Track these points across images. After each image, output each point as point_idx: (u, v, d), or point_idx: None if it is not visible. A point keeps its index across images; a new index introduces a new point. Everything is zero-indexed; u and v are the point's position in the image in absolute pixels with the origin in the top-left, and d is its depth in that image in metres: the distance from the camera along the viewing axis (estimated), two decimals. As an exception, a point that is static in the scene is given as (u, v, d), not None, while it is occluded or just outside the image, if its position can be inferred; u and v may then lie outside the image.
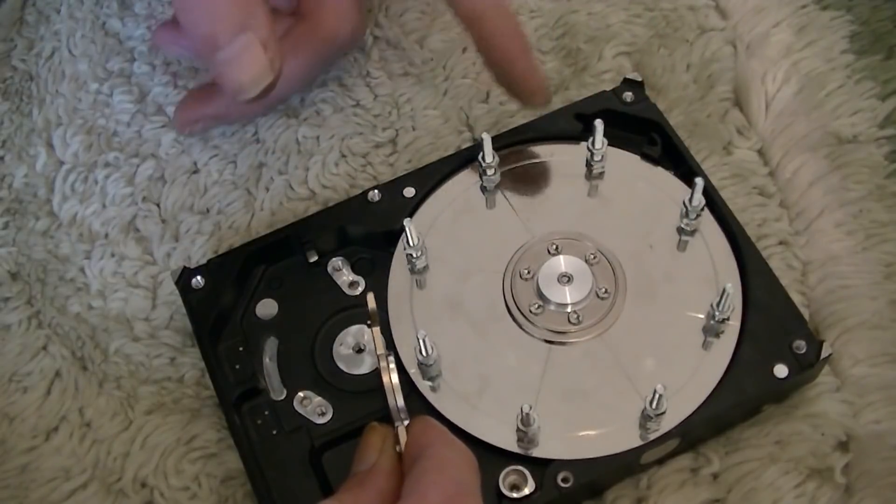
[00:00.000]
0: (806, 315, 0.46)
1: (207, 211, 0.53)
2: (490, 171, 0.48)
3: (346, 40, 0.53)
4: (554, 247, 0.46)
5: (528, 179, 0.49)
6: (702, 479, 0.43)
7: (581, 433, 0.42)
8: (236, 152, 0.54)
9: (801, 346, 0.42)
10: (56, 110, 0.57)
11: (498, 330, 0.45)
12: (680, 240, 0.46)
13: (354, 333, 0.46)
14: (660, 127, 0.49)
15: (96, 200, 0.53)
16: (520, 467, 0.41)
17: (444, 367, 0.43)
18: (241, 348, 0.45)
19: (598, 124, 0.47)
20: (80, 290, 0.51)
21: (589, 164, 0.48)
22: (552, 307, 0.45)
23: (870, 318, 0.46)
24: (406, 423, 0.36)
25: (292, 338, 0.46)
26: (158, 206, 0.53)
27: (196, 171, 0.54)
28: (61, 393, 0.48)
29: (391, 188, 0.49)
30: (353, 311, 0.46)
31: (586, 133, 0.49)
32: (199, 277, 0.46)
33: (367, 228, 0.48)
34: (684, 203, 0.46)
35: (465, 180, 0.49)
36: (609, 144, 0.48)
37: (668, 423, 0.41)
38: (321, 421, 0.44)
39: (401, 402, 0.37)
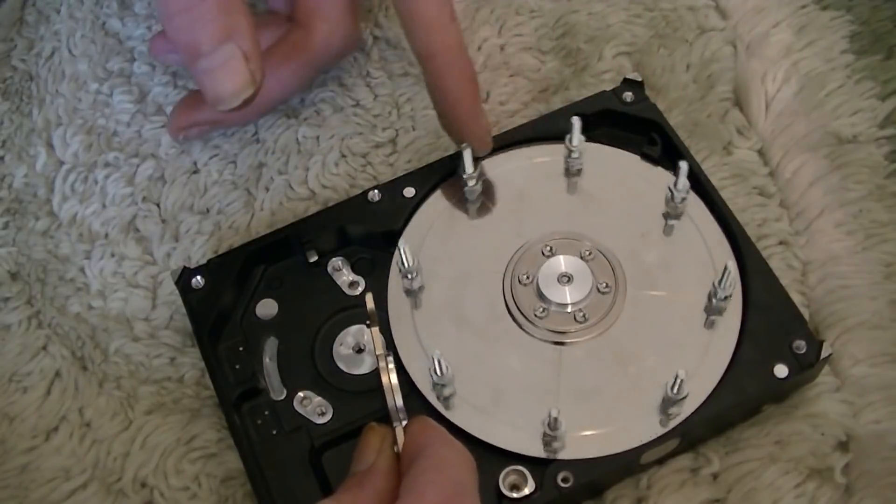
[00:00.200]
0: (806, 315, 0.46)
1: (207, 211, 0.53)
2: (471, 182, 0.48)
3: (338, 49, 0.53)
4: (548, 248, 0.46)
5: (517, 182, 0.49)
6: (702, 479, 0.43)
7: (581, 433, 0.42)
8: (236, 152, 0.54)
9: (801, 346, 0.42)
10: (56, 110, 0.57)
11: (503, 336, 0.45)
12: (667, 224, 0.46)
13: (354, 333, 0.46)
14: (660, 127, 0.49)
15: (96, 200, 0.54)
16: (520, 467, 0.41)
17: (455, 380, 0.43)
18: (241, 348, 0.45)
19: (576, 121, 0.47)
20: (80, 290, 0.51)
21: (567, 161, 0.48)
22: (555, 308, 0.45)
23: (870, 318, 0.46)
24: (404, 423, 0.36)
25: (292, 338, 0.46)
26: (158, 206, 0.53)
27: (196, 171, 0.54)
28: (61, 393, 0.48)
29: (391, 188, 0.49)
30: (352, 311, 0.46)
31: (586, 133, 0.49)
32: (199, 277, 0.46)
33: (367, 228, 0.48)
34: (670, 188, 0.46)
35: (454, 189, 0.49)
36: (609, 144, 0.48)
37: (668, 423, 0.41)
38: (321, 421, 0.44)
39: (400, 402, 0.37)
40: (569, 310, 0.45)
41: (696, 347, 0.43)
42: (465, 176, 0.48)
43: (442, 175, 0.49)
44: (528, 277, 0.46)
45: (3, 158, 0.56)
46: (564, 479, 0.40)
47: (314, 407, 0.44)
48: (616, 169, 0.49)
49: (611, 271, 0.45)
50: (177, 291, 0.47)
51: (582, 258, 0.46)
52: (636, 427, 0.41)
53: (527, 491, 0.40)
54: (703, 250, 0.45)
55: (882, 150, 0.51)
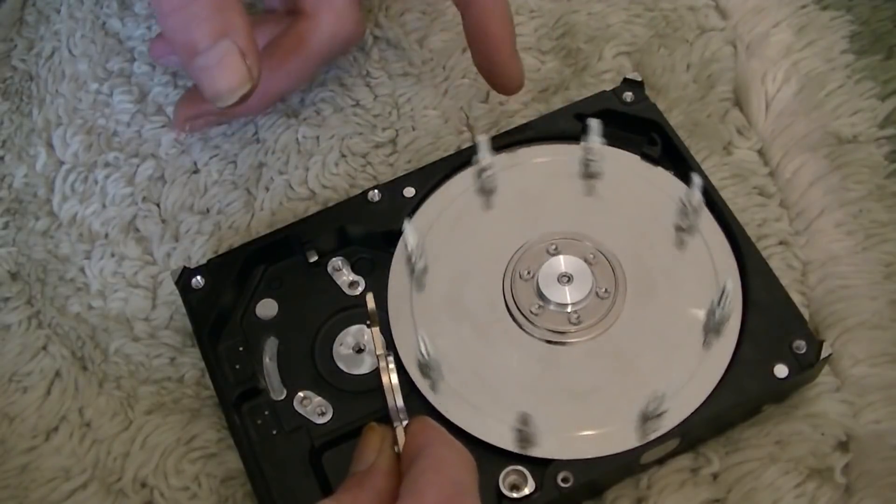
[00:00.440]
0: (806, 315, 0.46)
1: (207, 211, 0.53)
2: (487, 173, 0.48)
3: (346, 39, 0.53)
4: (553, 247, 0.46)
5: (527, 180, 0.49)
6: (702, 479, 0.43)
7: (581, 433, 0.42)
8: (236, 152, 0.54)
9: (801, 346, 0.42)
10: (56, 110, 0.57)
11: (498, 330, 0.45)
12: (679, 238, 0.46)
13: (354, 333, 0.46)
14: (660, 127, 0.49)
15: (96, 200, 0.53)
16: (520, 467, 0.41)
17: (444, 367, 0.43)
18: (241, 348, 0.45)
19: (594, 123, 0.47)
20: (80, 290, 0.51)
21: (585, 164, 0.48)
22: (552, 307, 0.45)
23: (870, 318, 0.46)
24: (405, 423, 0.36)
25: (292, 338, 0.46)
26: (158, 206, 0.53)
27: (196, 171, 0.54)
28: (61, 393, 0.48)
29: (391, 188, 0.48)
30: (353, 311, 0.46)
31: (586, 133, 0.49)
32: (199, 277, 0.46)
33: (367, 228, 0.48)
34: (682, 201, 0.46)
35: (464, 181, 0.49)
36: (609, 144, 0.48)
37: (668, 423, 0.41)
38: (321, 421, 0.44)
39: (400, 402, 0.37)
40: (567, 310, 0.45)
41: (693, 353, 0.43)
42: (480, 165, 0.48)
43: (442, 175, 0.49)
44: (529, 273, 0.46)
45: (3, 158, 0.56)
46: (564, 479, 0.40)
47: (314, 407, 0.44)
48: (630, 174, 0.48)
49: (612, 276, 0.45)
50: (177, 291, 0.47)
51: (585, 260, 0.46)
52: (636, 427, 0.41)
53: (527, 491, 0.40)
54: (709, 267, 0.45)
55: (882, 150, 0.51)
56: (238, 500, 0.45)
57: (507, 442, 0.41)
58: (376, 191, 0.48)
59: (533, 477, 0.40)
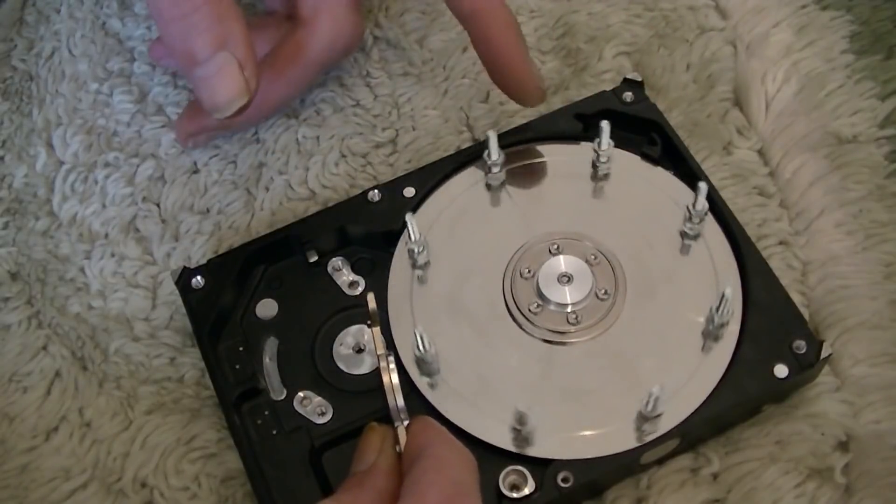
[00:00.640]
0: (806, 315, 0.46)
1: (207, 211, 0.53)
2: (495, 169, 0.48)
3: (346, 45, 0.53)
4: (555, 246, 0.46)
5: (530, 179, 0.49)
6: (702, 479, 0.43)
7: (581, 433, 0.42)
8: (236, 152, 0.54)
9: (801, 346, 0.42)
10: (56, 110, 0.57)
11: (497, 329, 0.45)
12: (682, 244, 0.46)
13: (354, 333, 0.46)
14: (660, 127, 0.49)
15: (96, 200, 0.53)
16: (520, 467, 0.41)
17: (443, 365, 0.43)
18: (241, 348, 0.45)
19: (605, 125, 0.47)
20: (80, 290, 0.51)
21: (595, 165, 0.48)
22: (552, 307, 0.45)
23: (870, 318, 0.46)
24: (406, 423, 0.36)
25: (292, 338, 0.46)
26: (158, 206, 0.53)
27: (196, 171, 0.54)
28: (61, 393, 0.48)
29: (391, 188, 0.48)
30: (353, 311, 0.46)
31: (586, 133, 0.49)
32: (199, 277, 0.46)
33: (367, 228, 0.48)
34: (688, 207, 0.46)
35: (467, 179, 0.49)
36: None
37: (668, 423, 0.41)
38: (321, 421, 0.44)
39: (401, 402, 0.37)
40: (567, 310, 0.45)
41: (693, 353, 0.43)
42: (489, 162, 0.48)
43: (442, 175, 0.49)
44: (529, 272, 0.46)
45: (3, 158, 0.56)
46: (564, 479, 0.40)
47: (314, 407, 0.44)
48: (631, 174, 0.48)
49: (613, 278, 0.45)
50: (177, 291, 0.47)
51: (586, 261, 0.46)
52: (636, 427, 0.41)
53: (527, 491, 0.40)
54: (709, 267, 0.45)
55: (882, 150, 0.51)
56: (238, 500, 0.45)
57: (506, 442, 0.41)
58: (376, 191, 0.48)
59: (533, 477, 0.40)
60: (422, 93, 0.55)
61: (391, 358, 0.38)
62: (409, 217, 0.45)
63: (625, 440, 0.41)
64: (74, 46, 0.59)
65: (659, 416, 0.41)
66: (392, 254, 0.47)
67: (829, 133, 0.52)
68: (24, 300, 0.51)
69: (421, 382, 0.43)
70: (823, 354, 0.42)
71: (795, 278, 0.48)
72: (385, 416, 0.38)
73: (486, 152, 0.48)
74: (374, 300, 0.38)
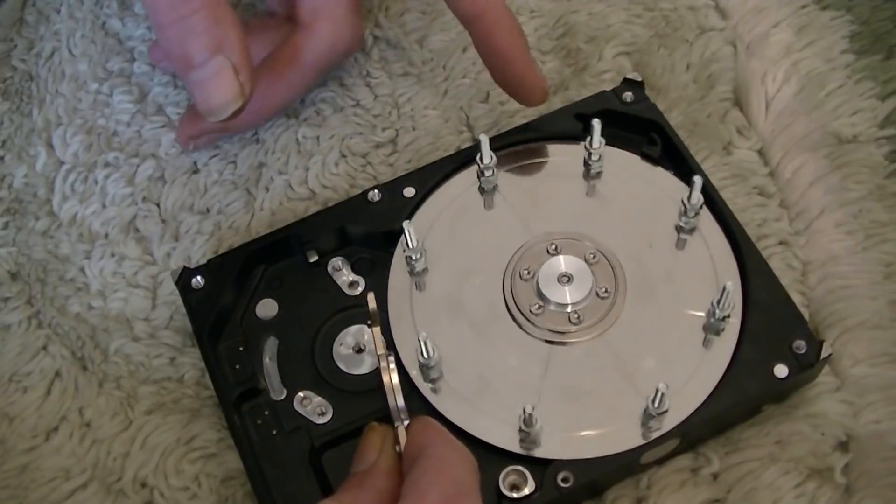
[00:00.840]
0: (806, 315, 0.46)
1: (207, 211, 0.53)
2: (488, 173, 0.48)
3: (345, 49, 0.53)
4: (553, 247, 0.46)
5: (528, 180, 0.49)
6: (702, 479, 0.43)
7: (581, 433, 0.42)
8: (236, 152, 0.54)
9: (801, 346, 0.42)
10: (56, 110, 0.57)
11: (498, 330, 0.45)
12: (679, 238, 0.46)
13: (354, 333, 0.46)
14: (660, 127, 0.49)
15: (96, 200, 0.53)
16: (520, 467, 0.41)
17: (444, 367, 0.43)
18: (241, 348, 0.45)
19: (596, 123, 0.47)
20: (80, 290, 0.51)
21: (587, 164, 0.48)
22: (552, 307, 0.45)
23: (870, 318, 0.46)
24: (406, 423, 0.36)
25: (292, 338, 0.46)
26: (158, 206, 0.53)
27: (196, 171, 0.54)
28: (61, 393, 0.48)
29: (391, 188, 0.48)
30: (353, 311, 0.46)
31: (586, 133, 0.49)
32: (199, 277, 0.46)
33: (367, 228, 0.48)
34: (683, 201, 0.46)
35: (465, 181, 0.49)
36: (609, 144, 0.48)
37: (668, 423, 0.41)
38: (321, 421, 0.44)
39: (401, 402, 0.37)
40: (567, 310, 0.45)
41: (694, 353, 0.43)
42: (482, 165, 0.48)
43: (442, 175, 0.49)
44: (529, 273, 0.46)
45: (3, 158, 0.56)
46: (564, 479, 0.40)
47: (314, 407, 0.44)
48: (631, 174, 0.48)
49: (612, 276, 0.45)
50: (177, 291, 0.47)
51: (585, 260, 0.46)
52: (636, 427, 0.41)
53: (527, 491, 0.40)
54: (709, 267, 0.45)
55: (882, 150, 0.51)
56: (238, 500, 0.45)
57: (506, 442, 0.41)
58: (376, 191, 0.48)
59: (533, 477, 0.40)
60: (422, 93, 0.55)
61: (391, 358, 0.38)
62: (406, 225, 0.45)
63: (625, 440, 0.41)
64: (74, 46, 0.59)
65: (665, 412, 0.41)
66: (392, 254, 0.47)
67: (829, 133, 0.52)
68: (24, 300, 0.51)
69: (423, 385, 0.43)
70: (823, 354, 0.42)
71: (795, 278, 0.48)
72: (385, 416, 0.38)
73: (478, 156, 0.48)
74: (374, 300, 0.38)
